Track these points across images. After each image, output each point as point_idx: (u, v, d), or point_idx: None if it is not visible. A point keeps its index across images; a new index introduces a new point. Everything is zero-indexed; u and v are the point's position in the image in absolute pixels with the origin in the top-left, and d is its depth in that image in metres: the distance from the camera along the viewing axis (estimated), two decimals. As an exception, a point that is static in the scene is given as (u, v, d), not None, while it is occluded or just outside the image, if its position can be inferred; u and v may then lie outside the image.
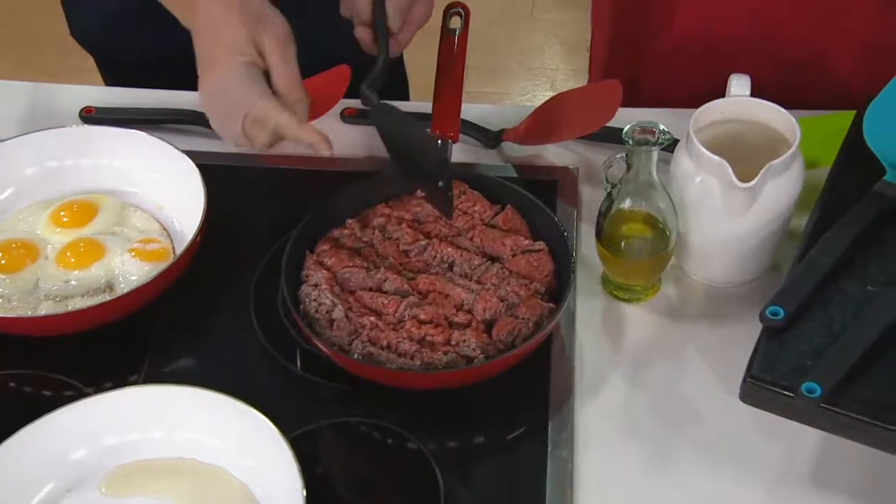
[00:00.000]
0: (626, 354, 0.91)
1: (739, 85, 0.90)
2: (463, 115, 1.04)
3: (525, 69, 2.66)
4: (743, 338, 0.82)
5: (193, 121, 1.12)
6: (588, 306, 0.94)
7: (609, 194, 0.90)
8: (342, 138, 1.11)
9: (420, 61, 1.29)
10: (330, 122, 1.11)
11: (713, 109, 0.89)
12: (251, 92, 0.87)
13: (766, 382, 0.75)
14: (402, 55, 1.28)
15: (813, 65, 1.07)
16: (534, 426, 0.86)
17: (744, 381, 0.76)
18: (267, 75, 0.88)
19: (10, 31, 2.68)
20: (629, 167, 0.87)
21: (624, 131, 0.85)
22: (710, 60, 1.07)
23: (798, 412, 0.75)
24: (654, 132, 0.84)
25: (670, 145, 0.88)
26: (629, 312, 0.94)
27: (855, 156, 0.89)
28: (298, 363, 0.91)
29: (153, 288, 0.93)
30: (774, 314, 0.77)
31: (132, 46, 1.21)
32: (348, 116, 1.13)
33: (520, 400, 0.88)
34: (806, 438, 0.82)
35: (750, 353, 0.78)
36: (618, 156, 0.89)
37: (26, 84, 1.22)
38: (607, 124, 1.03)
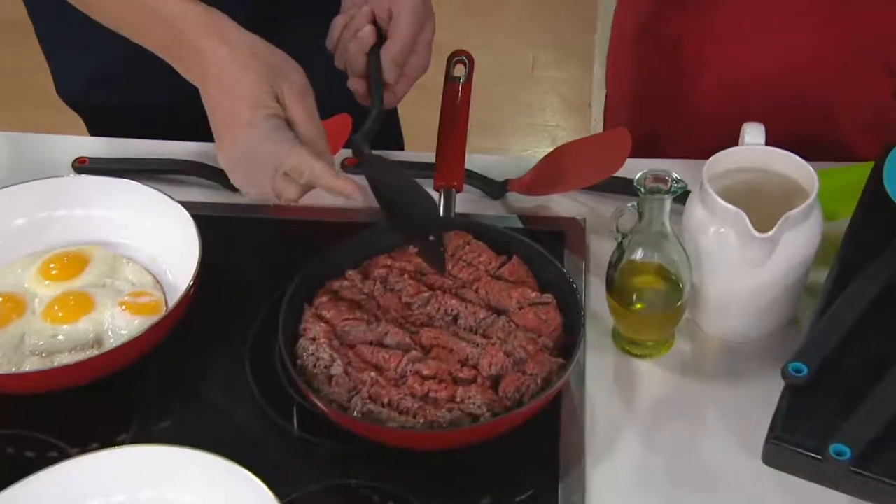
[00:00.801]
0: (639, 412, 0.86)
1: (753, 133, 0.87)
2: (466, 166, 1.02)
3: (525, 125, 2.65)
4: (762, 396, 0.79)
5: (189, 171, 1.09)
6: (598, 362, 0.90)
7: (620, 245, 0.86)
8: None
9: (415, 114, 1.27)
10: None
11: (727, 158, 0.86)
12: (281, 146, 0.84)
13: (791, 444, 0.71)
14: (395, 107, 1.27)
15: (832, 116, 1.05)
16: (543, 488, 0.81)
17: (766, 442, 0.72)
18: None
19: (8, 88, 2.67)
20: (641, 216, 0.83)
21: (636, 179, 0.81)
22: (734, 111, 1.04)
23: (826, 476, 0.70)
24: (667, 180, 0.81)
25: (682, 196, 0.85)
26: (642, 368, 0.90)
27: (875, 207, 0.85)
28: (295, 422, 0.86)
29: (143, 342, 0.89)
30: (797, 371, 0.73)
31: (120, 104, 1.18)
32: (349, 166, 1.09)
33: (528, 460, 0.83)
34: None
35: (771, 413, 0.74)
36: (629, 205, 0.85)
37: (18, 135, 1.20)
38: (616, 174, 1.00)
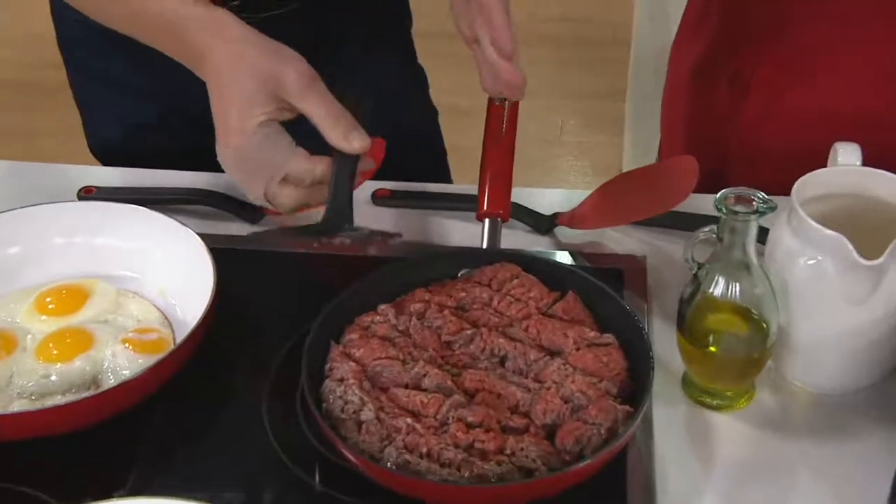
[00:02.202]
0: (718, 472, 0.74)
1: (847, 153, 0.77)
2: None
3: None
4: (865, 456, 0.71)
5: (204, 201, 1.00)
6: (667, 414, 0.78)
7: (695, 276, 0.75)
8: (373, 221, 0.98)
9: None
10: (360, 204, 0.98)
11: (817, 181, 0.76)
12: (276, 154, 0.81)
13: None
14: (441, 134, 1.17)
15: None
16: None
17: (891, 498, 0.60)
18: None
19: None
20: (720, 241, 0.72)
21: (716, 198, 0.71)
22: (802, 147, 0.93)
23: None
24: (753, 200, 0.70)
25: (761, 235, 0.74)
26: (719, 422, 0.78)
27: None
28: (317, 476, 0.74)
29: (144, 383, 0.78)
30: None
31: (153, 157, 1.10)
32: (379, 198, 1.00)
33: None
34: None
35: (878, 476, 0.66)
36: (706, 229, 0.74)
37: (24, 164, 1.11)
38: (680, 209, 0.90)
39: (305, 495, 0.74)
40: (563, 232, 0.95)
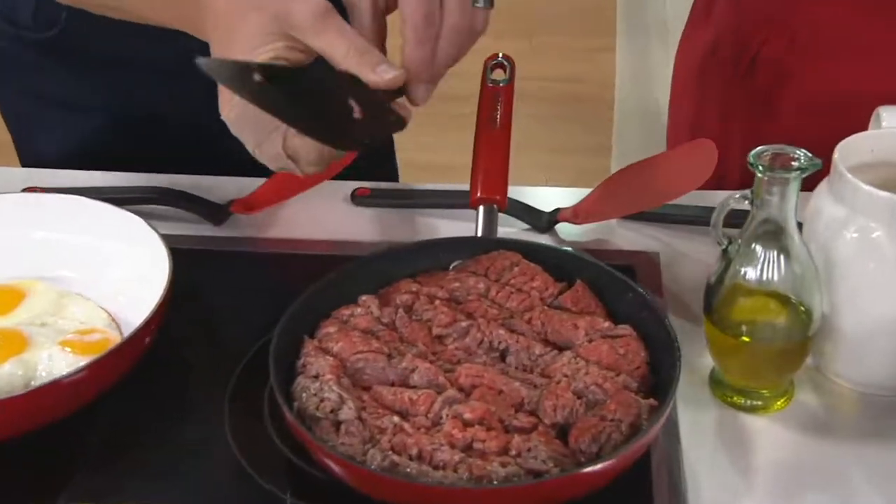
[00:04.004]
0: (757, 482, 0.64)
1: (892, 115, 0.68)
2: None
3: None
4: None
5: (163, 200, 0.90)
6: (695, 418, 0.68)
7: (724, 252, 0.66)
8: (352, 221, 0.89)
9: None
10: (338, 203, 0.90)
11: (860, 145, 0.67)
12: None
13: None
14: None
15: None
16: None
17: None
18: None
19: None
20: (754, 207, 0.63)
21: (750, 155, 0.62)
22: (819, 133, 0.86)
23: None
24: (794, 158, 0.62)
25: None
26: (755, 425, 0.67)
27: None
28: (288, 487, 0.63)
29: (80, 384, 0.67)
30: None
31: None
32: (360, 197, 0.90)
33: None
34: None
35: None
36: (737, 195, 0.65)
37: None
38: (689, 203, 0.81)
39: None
40: (564, 229, 0.86)
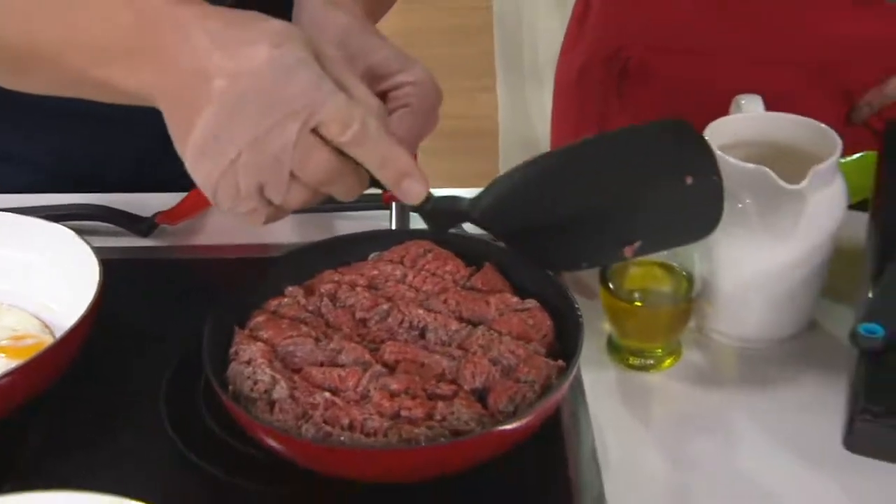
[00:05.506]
0: (657, 431, 0.64)
1: (751, 102, 0.70)
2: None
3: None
4: (802, 405, 0.64)
5: (91, 216, 0.86)
6: (596, 378, 0.68)
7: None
8: (272, 229, 0.85)
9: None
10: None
11: (725, 128, 0.69)
12: (324, 82, 0.52)
13: (887, 417, 0.50)
14: None
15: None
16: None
17: (851, 420, 0.51)
18: None
19: None
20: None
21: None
22: None
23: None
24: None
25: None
26: (650, 382, 0.68)
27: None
28: (224, 466, 0.61)
29: (14, 387, 0.63)
30: (871, 332, 0.53)
31: None
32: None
33: (531, 492, 0.59)
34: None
35: (815, 418, 0.62)
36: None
37: None
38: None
39: (210, 486, 0.60)
40: (469, 228, 0.85)
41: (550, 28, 2.03)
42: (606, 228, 0.60)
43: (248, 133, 0.51)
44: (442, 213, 0.59)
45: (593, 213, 0.59)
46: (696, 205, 0.59)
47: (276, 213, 0.56)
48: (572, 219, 0.59)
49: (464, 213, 0.60)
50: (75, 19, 0.56)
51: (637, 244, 0.59)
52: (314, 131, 0.52)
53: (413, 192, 0.56)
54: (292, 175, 0.53)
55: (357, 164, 0.55)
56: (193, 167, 0.54)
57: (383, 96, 0.63)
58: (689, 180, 0.58)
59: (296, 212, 0.60)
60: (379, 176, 0.56)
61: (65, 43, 0.57)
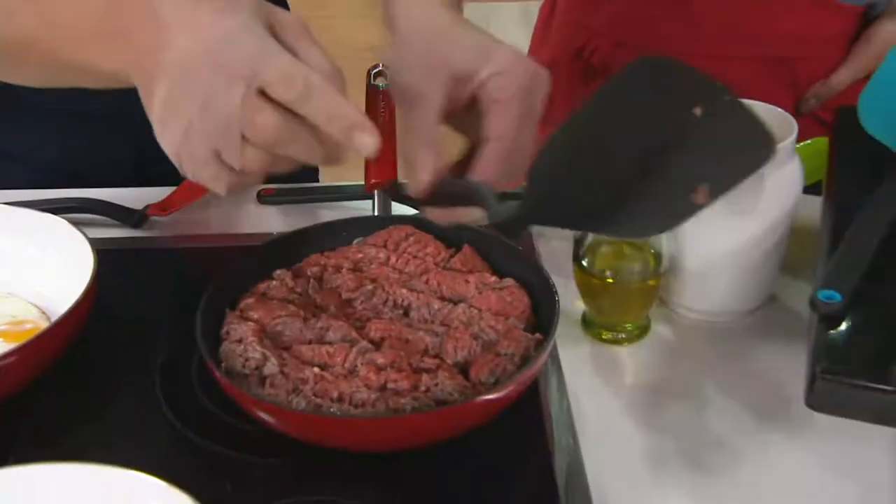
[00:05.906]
0: (631, 400, 0.66)
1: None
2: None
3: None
4: (764, 372, 0.67)
5: (83, 208, 0.87)
6: (572, 352, 0.70)
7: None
8: (260, 218, 0.88)
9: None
10: (246, 203, 0.90)
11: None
12: (267, 44, 0.52)
13: (845, 375, 0.52)
14: None
15: None
16: (539, 495, 0.59)
17: (812, 379, 0.53)
18: None
19: None
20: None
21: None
22: None
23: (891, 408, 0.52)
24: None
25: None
26: (622, 355, 0.70)
27: (853, 146, 0.70)
28: (221, 441, 0.62)
29: (14, 369, 0.64)
30: (829, 298, 0.55)
31: None
32: (266, 196, 0.89)
33: (511, 462, 0.61)
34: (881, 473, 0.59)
35: (775, 384, 0.65)
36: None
37: None
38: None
39: (209, 459, 0.61)
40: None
41: (517, 42, 2.07)
42: (661, 182, 0.54)
43: (197, 100, 0.51)
44: (511, 224, 0.56)
45: (643, 171, 0.54)
46: (734, 129, 0.54)
47: (238, 179, 0.55)
48: (624, 185, 0.53)
49: (526, 218, 0.56)
50: (52, 7, 0.57)
51: (705, 186, 0.52)
52: (262, 94, 0.51)
53: (365, 144, 0.53)
54: (244, 139, 0.52)
55: (311, 125, 0.53)
56: (160, 138, 0.54)
57: (474, 101, 0.60)
58: (698, 111, 0.54)
59: (270, 181, 0.59)
60: (329, 131, 0.53)
61: (41, 30, 0.58)
